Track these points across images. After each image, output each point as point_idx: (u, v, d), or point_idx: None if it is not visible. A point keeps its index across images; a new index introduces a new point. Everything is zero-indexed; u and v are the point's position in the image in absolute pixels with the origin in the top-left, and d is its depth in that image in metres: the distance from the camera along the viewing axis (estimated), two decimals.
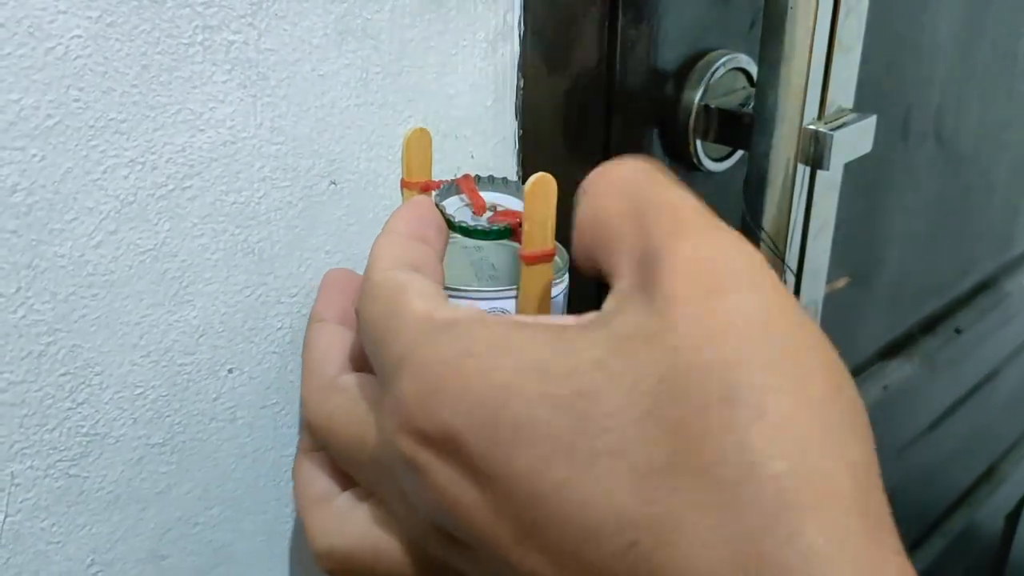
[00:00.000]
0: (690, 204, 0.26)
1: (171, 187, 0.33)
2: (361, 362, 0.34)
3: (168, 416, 0.36)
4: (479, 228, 0.34)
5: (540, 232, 0.32)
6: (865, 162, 0.58)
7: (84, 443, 0.34)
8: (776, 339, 0.23)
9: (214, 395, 0.37)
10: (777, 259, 0.54)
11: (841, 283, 0.75)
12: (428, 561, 0.29)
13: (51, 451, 0.33)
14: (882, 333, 0.88)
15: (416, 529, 0.29)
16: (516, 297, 0.34)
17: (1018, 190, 1.00)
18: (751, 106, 0.51)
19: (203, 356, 0.36)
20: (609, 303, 0.26)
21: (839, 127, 0.53)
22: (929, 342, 0.95)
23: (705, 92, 0.53)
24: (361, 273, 0.38)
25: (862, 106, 0.54)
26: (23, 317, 0.31)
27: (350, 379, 0.32)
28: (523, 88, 0.43)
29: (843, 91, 0.53)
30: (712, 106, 0.53)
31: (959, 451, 1.12)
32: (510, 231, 0.34)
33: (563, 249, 0.34)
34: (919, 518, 1.09)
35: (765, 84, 0.49)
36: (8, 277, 0.30)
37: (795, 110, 0.49)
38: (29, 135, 0.29)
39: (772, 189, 0.51)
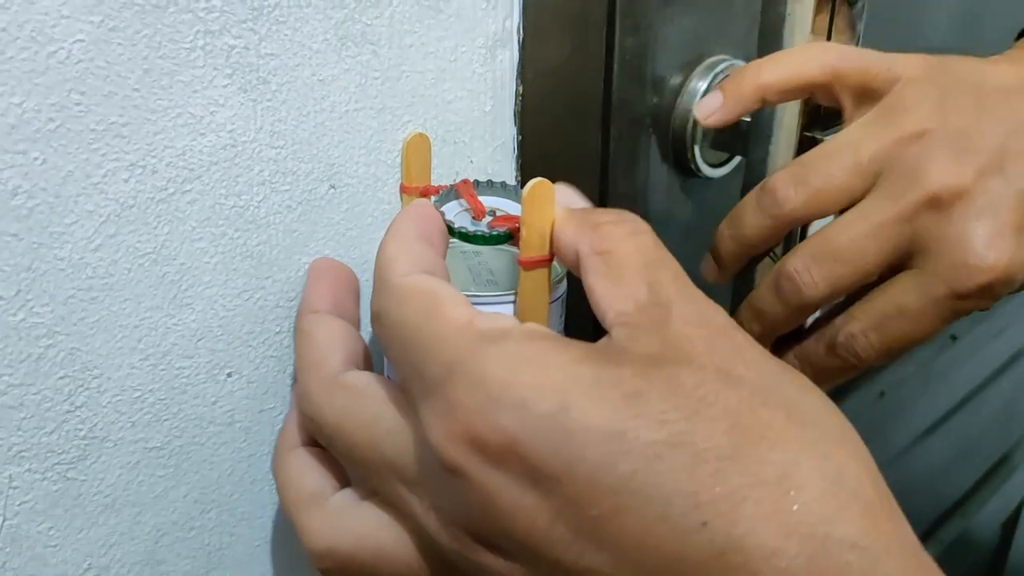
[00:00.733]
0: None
1: (171, 191, 0.33)
2: (360, 358, 0.34)
3: (166, 420, 0.36)
4: (479, 233, 0.34)
5: (538, 237, 0.33)
6: None
7: (82, 446, 0.34)
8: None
9: (212, 399, 0.37)
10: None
11: None
12: (441, 566, 0.29)
13: (49, 454, 0.33)
14: None
15: (444, 535, 0.28)
16: (514, 302, 0.34)
17: None
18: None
19: (202, 360, 0.36)
20: (619, 332, 0.28)
21: (835, 133, 0.53)
22: (924, 349, 0.95)
23: (703, 98, 0.53)
24: (350, 270, 0.38)
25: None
26: (23, 320, 0.31)
27: (359, 377, 0.32)
28: (522, 94, 0.43)
29: None
30: None
31: (954, 458, 1.12)
32: (510, 236, 0.34)
33: None
34: (915, 525, 1.09)
35: None
36: (8, 280, 0.30)
37: (792, 116, 0.50)
38: (31, 138, 0.29)
39: None
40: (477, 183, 0.36)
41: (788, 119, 0.50)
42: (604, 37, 0.48)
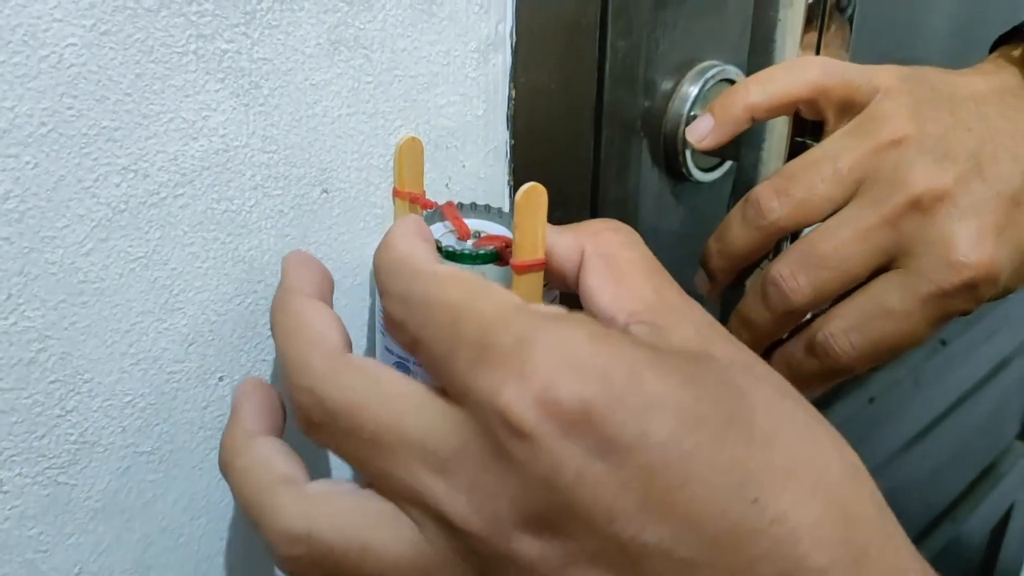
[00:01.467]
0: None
1: (163, 195, 0.33)
2: (350, 345, 0.32)
3: (157, 424, 0.36)
4: (466, 252, 0.34)
5: (531, 242, 0.33)
6: None
7: (73, 451, 0.34)
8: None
9: (203, 403, 0.37)
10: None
11: None
12: (442, 565, 0.28)
13: (40, 458, 0.33)
14: None
15: (476, 519, 0.27)
16: None
17: None
18: None
19: (193, 364, 0.36)
20: (641, 329, 0.30)
21: None
22: (914, 354, 0.95)
23: (694, 102, 0.54)
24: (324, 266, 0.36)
25: None
26: (14, 324, 0.30)
27: (365, 359, 0.30)
28: (514, 98, 0.43)
29: None
30: None
31: (944, 464, 1.12)
32: (497, 256, 0.34)
33: None
34: (904, 531, 1.10)
35: None
36: None
37: (783, 122, 0.50)
38: (23, 142, 0.29)
39: None
40: (461, 205, 0.37)
41: (779, 125, 0.50)
42: (596, 42, 0.48)
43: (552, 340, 0.26)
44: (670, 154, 0.55)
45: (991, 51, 0.50)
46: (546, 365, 0.25)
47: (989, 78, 0.46)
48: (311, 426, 0.30)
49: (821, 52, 0.49)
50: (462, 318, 0.27)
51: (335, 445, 0.30)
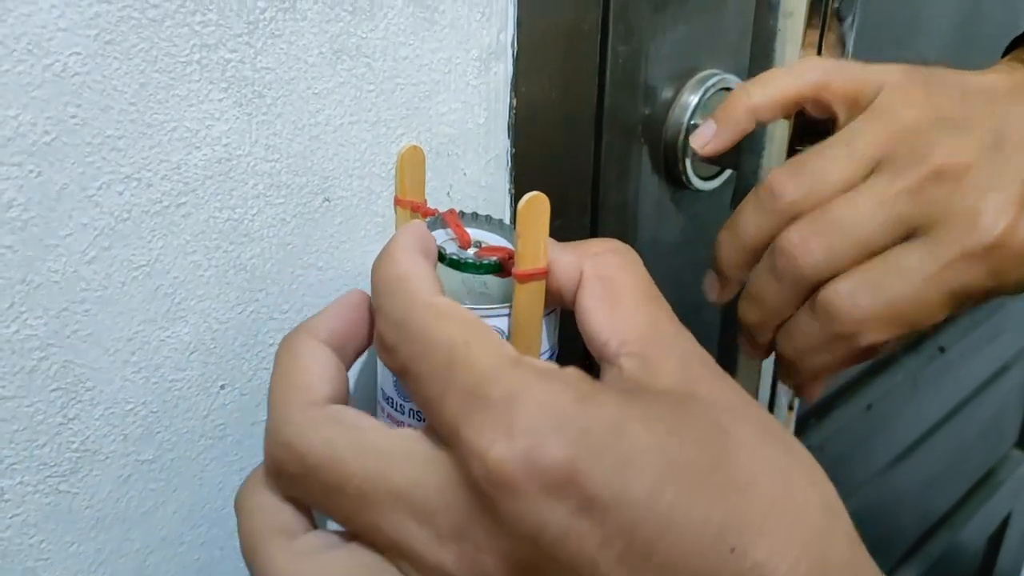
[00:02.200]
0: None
1: (166, 204, 0.33)
2: (343, 400, 0.32)
3: (158, 433, 0.36)
4: (469, 261, 0.34)
5: (533, 251, 0.33)
6: None
7: (74, 459, 0.34)
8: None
9: (204, 412, 0.37)
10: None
11: None
12: None
13: (41, 467, 0.33)
14: None
15: (463, 568, 0.27)
16: (509, 315, 0.34)
17: None
18: None
19: (194, 373, 0.36)
20: (630, 362, 0.30)
21: None
22: (913, 360, 0.95)
23: (695, 111, 0.54)
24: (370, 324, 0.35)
25: None
26: (16, 332, 0.30)
27: (349, 410, 0.30)
28: (516, 106, 0.44)
29: None
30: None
31: (941, 471, 1.12)
32: (499, 266, 0.34)
33: None
34: (901, 539, 1.10)
35: None
36: (2, 292, 0.30)
37: (783, 130, 0.50)
38: (26, 151, 0.29)
39: None
40: (462, 214, 0.37)
41: (779, 133, 0.50)
42: (597, 51, 0.48)
43: (540, 400, 0.26)
44: (670, 162, 0.55)
45: (1004, 55, 0.50)
46: (533, 425, 0.26)
47: (1002, 76, 0.46)
48: (283, 479, 0.30)
49: None
50: (457, 364, 0.28)
51: (315, 500, 0.30)
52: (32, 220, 0.30)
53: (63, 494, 0.34)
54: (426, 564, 0.28)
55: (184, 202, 0.33)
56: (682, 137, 0.54)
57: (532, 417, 0.26)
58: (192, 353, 0.36)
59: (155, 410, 0.35)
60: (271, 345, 0.38)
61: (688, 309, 0.62)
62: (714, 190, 0.58)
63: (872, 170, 0.43)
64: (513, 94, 0.43)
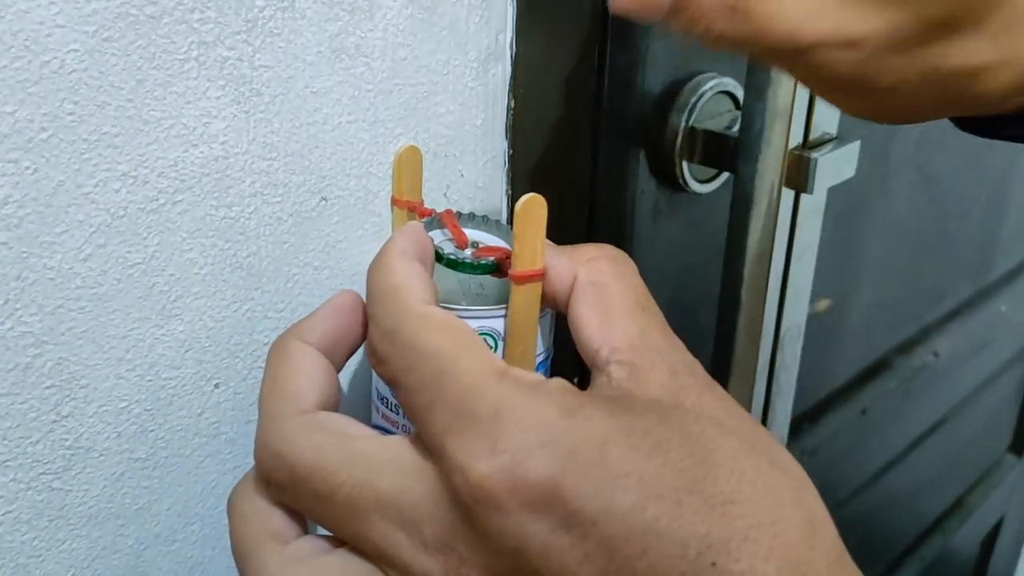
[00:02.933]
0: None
1: (162, 201, 0.33)
2: (333, 404, 0.32)
3: (152, 431, 0.36)
4: (467, 261, 0.34)
5: (530, 252, 0.33)
6: (848, 187, 0.59)
7: (67, 456, 0.33)
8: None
9: (199, 410, 0.37)
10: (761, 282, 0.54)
11: (824, 306, 0.76)
12: None
13: (34, 464, 0.33)
14: (860, 356, 0.89)
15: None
16: (505, 316, 0.34)
17: (995, 216, 1.01)
18: (737, 129, 0.52)
19: (189, 371, 0.36)
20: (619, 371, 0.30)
21: (823, 152, 0.53)
22: (907, 365, 0.96)
23: (692, 114, 0.54)
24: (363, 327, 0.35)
25: (846, 132, 0.55)
26: (10, 329, 0.30)
27: (338, 417, 0.31)
28: (513, 108, 0.43)
29: (828, 117, 0.54)
30: (698, 128, 0.54)
31: (935, 476, 1.12)
32: (496, 266, 0.34)
33: None
34: (894, 543, 1.10)
35: (751, 108, 0.50)
36: None
37: (780, 134, 0.50)
38: (23, 147, 0.29)
39: (757, 212, 0.52)
40: (459, 214, 0.37)
41: (776, 136, 0.50)
42: (596, 53, 0.48)
43: (525, 415, 0.26)
44: (668, 165, 0.55)
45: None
46: (517, 441, 0.26)
47: None
48: (273, 486, 0.30)
49: None
50: (446, 377, 0.28)
51: (305, 507, 0.30)
52: (28, 217, 0.29)
53: (56, 491, 0.34)
54: (412, 573, 0.28)
55: (180, 199, 0.33)
56: (680, 141, 0.54)
57: (516, 433, 0.26)
58: (187, 351, 0.36)
59: (149, 408, 0.35)
60: (266, 344, 0.38)
61: (684, 311, 0.62)
62: (711, 193, 0.58)
63: None
64: (511, 96, 0.43)
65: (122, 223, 0.32)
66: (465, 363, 0.28)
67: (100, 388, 0.34)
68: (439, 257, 0.34)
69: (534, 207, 0.32)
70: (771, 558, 0.25)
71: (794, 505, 0.27)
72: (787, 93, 0.50)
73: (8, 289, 0.30)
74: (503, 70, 0.43)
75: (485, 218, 0.37)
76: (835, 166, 0.54)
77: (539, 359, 0.36)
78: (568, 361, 0.37)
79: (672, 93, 0.54)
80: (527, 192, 0.32)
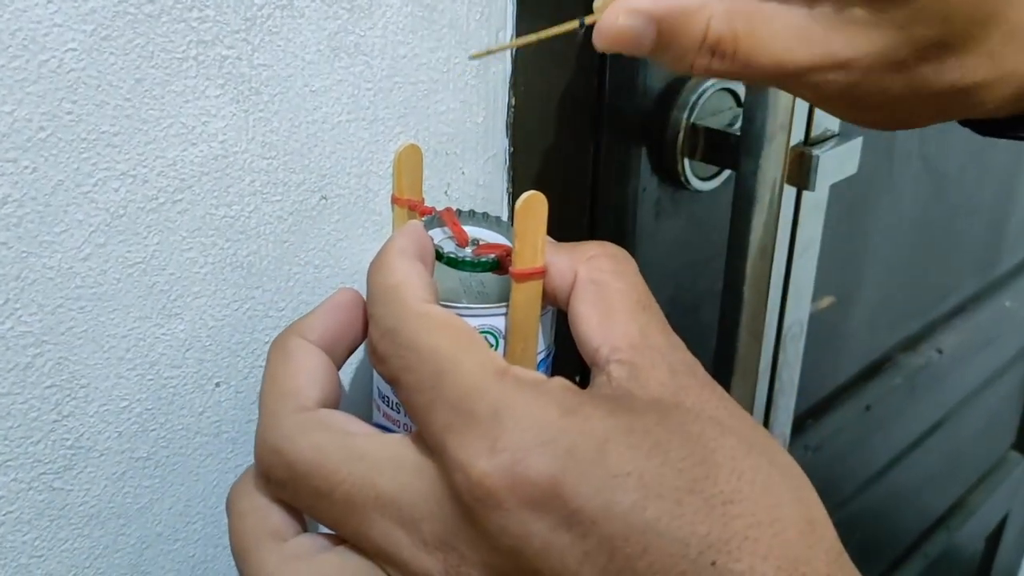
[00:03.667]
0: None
1: (161, 200, 0.33)
2: (333, 401, 0.32)
3: (153, 430, 0.36)
4: (467, 259, 0.34)
5: (530, 250, 0.33)
6: (851, 183, 0.59)
7: (68, 456, 0.33)
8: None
9: (200, 409, 0.37)
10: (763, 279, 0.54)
11: (826, 303, 0.76)
12: None
13: (35, 464, 0.33)
14: (864, 353, 0.89)
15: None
16: (506, 314, 0.34)
17: (1000, 212, 1.01)
18: (738, 126, 0.52)
19: (189, 370, 0.36)
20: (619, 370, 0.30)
21: (825, 149, 0.53)
22: (910, 362, 0.95)
23: (693, 111, 0.54)
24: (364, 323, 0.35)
25: (848, 128, 0.55)
26: (10, 328, 0.30)
27: (338, 414, 0.31)
28: (514, 106, 0.43)
29: None
30: (700, 125, 0.54)
31: (939, 472, 1.12)
32: (497, 263, 0.34)
33: None
34: (899, 540, 1.10)
35: (753, 105, 0.50)
36: None
37: (782, 131, 0.50)
38: (21, 147, 0.29)
39: (759, 209, 0.52)
40: (459, 212, 0.37)
41: (778, 133, 0.50)
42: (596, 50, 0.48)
43: (525, 414, 0.27)
44: (669, 162, 0.55)
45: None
46: (517, 441, 0.26)
47: None
48: (273, 483, 0.30)
49: None
50: (445, 376, 0.28)
51: (304, 504, 0.30)
52: (27, 216, 0.29)
53: (57, 491, 0.34)
54: (412, 571, 0.28)
55: (180, 199, 0.33)
56: (681, 138, 0.54)
57: (516, 432, 0.26)
58: (187, 350, 0.35)
59: (150, 407, 0.35)
60: (267, 342, 0.38)
61: (687, 309, 0.62)
62: (713, 190, 0.58)
63: None
64: (512, 93, 0.43)
65: (122, 222, 0.32)
66: (465, 362, 0.28)
67: (101, 387, 0.34)
68: (439, 255, 0.34)
69: (535, 204, 0.32)
70: (770, 557, 0.26)
71: (793, 504, 0.27)
72: None
73: (8, 289, 0.30)
74: (503, 68, 0.42)
75: (486, 215, 0.37)
76: (837, 163, 0.54)
77: (540, 357, 0.35)
78: (570, 359, 0.37)
79: (673, 90, 0.54)
80: (528, 190, 0.32)
